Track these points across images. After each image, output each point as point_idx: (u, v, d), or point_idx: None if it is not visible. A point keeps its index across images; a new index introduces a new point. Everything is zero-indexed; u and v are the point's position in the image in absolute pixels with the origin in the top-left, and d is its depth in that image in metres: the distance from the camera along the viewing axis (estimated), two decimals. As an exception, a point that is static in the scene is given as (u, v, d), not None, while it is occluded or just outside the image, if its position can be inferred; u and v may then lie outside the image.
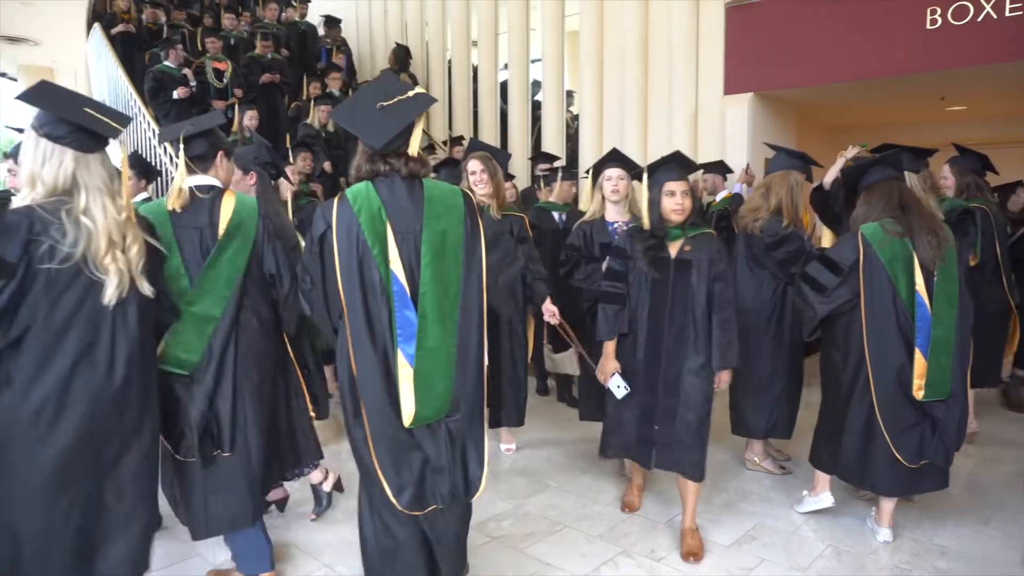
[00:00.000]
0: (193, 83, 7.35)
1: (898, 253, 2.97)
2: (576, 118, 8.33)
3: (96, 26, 8.46)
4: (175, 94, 7.17)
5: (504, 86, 8.70)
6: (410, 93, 2.20)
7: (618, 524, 3.32)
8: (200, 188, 2.55)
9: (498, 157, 4.10)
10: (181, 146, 2.51)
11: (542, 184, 5.56)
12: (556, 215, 5.00)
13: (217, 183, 2.60)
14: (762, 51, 6.26)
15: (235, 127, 6.90)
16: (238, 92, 7.61)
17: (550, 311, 3.77)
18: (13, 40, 16.24)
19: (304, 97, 7.93)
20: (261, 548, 2.71)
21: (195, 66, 7.59)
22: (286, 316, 2.64)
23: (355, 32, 10.15)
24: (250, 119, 6.58)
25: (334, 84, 7.86)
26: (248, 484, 2.52)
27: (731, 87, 6.47)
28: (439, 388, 2.18)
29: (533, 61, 8.37)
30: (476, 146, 4.21)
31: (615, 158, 3.74)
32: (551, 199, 5.20)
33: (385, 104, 2.16)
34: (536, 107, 8.41)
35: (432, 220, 2.20)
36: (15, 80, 19.32)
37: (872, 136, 4.75)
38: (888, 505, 3.13)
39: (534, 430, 4.55)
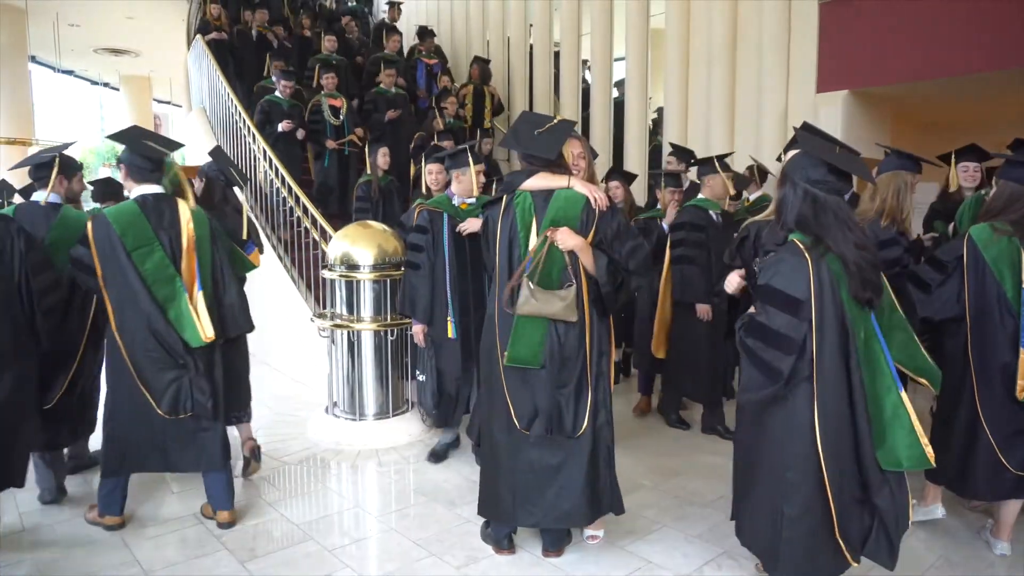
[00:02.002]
0: (294, 124, 7.33)
1: (1004, 251, 2.87)
2: (658, 124, 8.16)
3: (198, 37, 8.91)
4: (280, 127, 7.23)
5: (586, 88, 8.70)
6: (555, 121, 2.87)
7: (718, 525, 3.30)
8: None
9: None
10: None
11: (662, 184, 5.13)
12: (713, 214, 4.58)
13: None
14: (859, 46, 6.03)
15: (368, 168, 6.66)
16: (358, 132, 7.54)
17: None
18: (116, 52, 17.30)
19: (436, 126, 7.67)
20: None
21: (311, 105, 7.52)
22: None
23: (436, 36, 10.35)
24: (383, 156, 6.40)
25: (451, 110, 7.83)
26: None
27: (824, 85, 6.27)
28: (534, 338, 2.81)
29: (616, 60, 8.32)
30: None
31: None
32: (703, 196, 4.65)
33: (539, 131, 2.81)
34: (619, 108, 8.36)
35: (552, 211, 2.80)
36: (117, 89, 20.59)
37: (973, 135, 4.50)
38: (1009, 517, 3.02)
39: (623, 429, 4.55)
